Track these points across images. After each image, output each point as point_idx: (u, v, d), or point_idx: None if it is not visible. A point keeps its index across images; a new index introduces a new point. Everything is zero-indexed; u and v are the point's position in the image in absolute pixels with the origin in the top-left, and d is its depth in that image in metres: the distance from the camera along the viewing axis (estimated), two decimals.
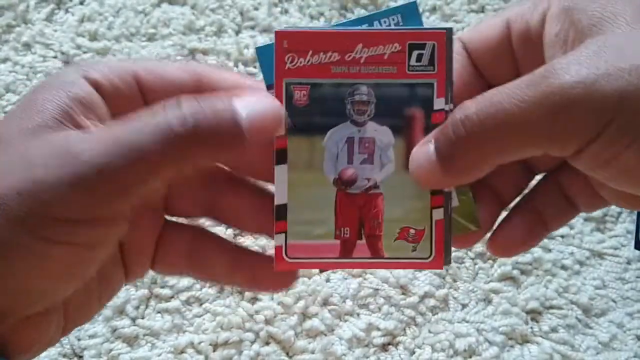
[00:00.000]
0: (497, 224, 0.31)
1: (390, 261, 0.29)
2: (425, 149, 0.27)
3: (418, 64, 0.28)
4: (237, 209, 0.31)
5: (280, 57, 0.28)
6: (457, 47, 0.30)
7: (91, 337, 0.54)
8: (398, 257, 0.29)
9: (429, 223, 0.29)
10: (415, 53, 0.28)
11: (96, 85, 0.27)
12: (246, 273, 0.31)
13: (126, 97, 0.28)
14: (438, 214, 0.29)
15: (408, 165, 0.28)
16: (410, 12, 0.29)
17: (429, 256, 0.29)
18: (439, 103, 0.28)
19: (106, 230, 0.26)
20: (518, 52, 0.29)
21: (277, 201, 0.29)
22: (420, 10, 0.74)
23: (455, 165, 0.26)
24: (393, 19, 0.29)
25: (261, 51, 0.29)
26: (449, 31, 0.28)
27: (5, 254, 0.24)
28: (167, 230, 0.31)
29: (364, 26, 0.29)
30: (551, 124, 0.23)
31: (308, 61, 0.28)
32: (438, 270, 0.58)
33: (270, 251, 0.30)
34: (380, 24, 0.29)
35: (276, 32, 0.28)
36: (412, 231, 0.29)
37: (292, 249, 0.29)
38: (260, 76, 0.29)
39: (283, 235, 0.29)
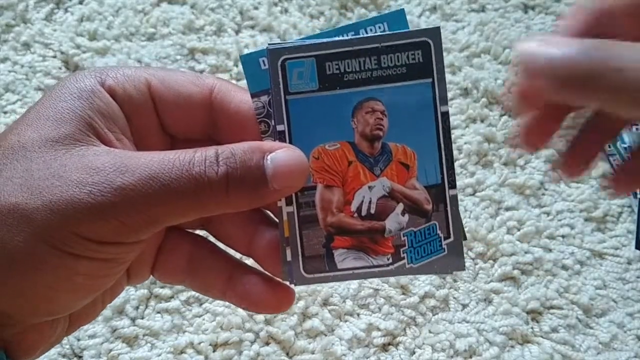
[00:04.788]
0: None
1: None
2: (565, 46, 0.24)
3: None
4: (229, 227, 0.31)
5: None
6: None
7: (91, 337, 0.53)
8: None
9: None
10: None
11: (111, 93, 0.28)
12: (240, 290, 0.30)
13: (138, 105, 0.28)
14: None
15: None
16: (397, 20, 0.29)
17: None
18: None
19: (128, 249, 0.26)
20: None
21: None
22: (420, 10, 0.74)
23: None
24: (379, 27, 0.29)
25: (246, 59, 0.29)
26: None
27: (29, 267, 0.24)
28: (169, 238, 0.31)
29: (350, 34, 0.29)
30: None
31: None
32: None
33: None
34: (367, 32, 0.29)
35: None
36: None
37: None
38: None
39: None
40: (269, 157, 0.26)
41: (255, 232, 0.30)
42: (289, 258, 0.29)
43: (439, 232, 0.29)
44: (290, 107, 0.29)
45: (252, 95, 0.29)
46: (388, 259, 0.29)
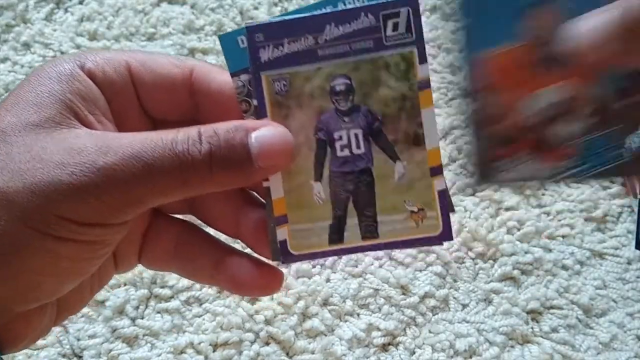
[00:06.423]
0: None
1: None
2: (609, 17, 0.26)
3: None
4: (215, 210, 0.31)
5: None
6: None
7: (91, 337, 0.53)
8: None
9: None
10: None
11: (91, 77, 0.27)
12: (228, 274, 0.30)
13: (119, 88, 0.28)
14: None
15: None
16: None
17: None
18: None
19: (113, 231, 0.26)
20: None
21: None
22: (420, 10, 0.74)
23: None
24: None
25: (224, 39, 0.29)
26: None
27: (12, 251, 0.24)
28: (155, 223, 0.31)
29: (329, 7, 0.28)
30: None
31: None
32: (438, 270, 0.58)
33: (264, 254, 0.30)
34: (345, 5, 0.28)
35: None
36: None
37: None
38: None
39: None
40: (253, 135, 0.26)
41: (241, 213, 0.30)
42: (280, 238, 0.29)
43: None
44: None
45: (232, 75, 0.29)
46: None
